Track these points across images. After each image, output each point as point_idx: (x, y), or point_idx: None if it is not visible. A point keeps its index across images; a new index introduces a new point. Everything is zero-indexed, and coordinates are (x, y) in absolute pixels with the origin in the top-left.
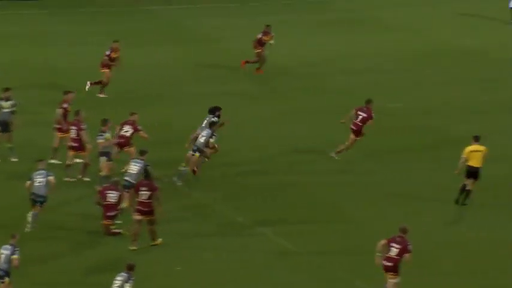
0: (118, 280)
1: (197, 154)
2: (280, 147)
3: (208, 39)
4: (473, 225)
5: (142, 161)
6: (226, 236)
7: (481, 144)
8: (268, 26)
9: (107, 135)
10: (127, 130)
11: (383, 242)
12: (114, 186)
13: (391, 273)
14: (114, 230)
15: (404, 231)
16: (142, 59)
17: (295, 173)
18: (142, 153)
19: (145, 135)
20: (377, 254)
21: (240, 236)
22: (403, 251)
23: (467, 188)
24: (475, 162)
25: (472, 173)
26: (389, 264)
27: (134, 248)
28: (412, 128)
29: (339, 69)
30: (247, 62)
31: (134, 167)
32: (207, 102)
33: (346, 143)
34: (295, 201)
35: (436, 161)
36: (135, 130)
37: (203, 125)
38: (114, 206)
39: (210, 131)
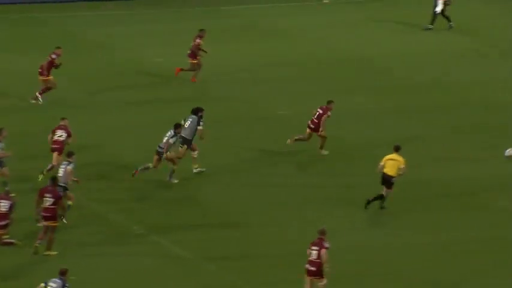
0: (53, 287)
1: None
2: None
3: (100, 47)
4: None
5: (68, 163)
6: (121, 244)
7: (400, 155)
8: (202, 30)
9: (1, 144)
10: (61, 135)
11: (308, 250)
12: (6, 196)
13: (316, 277)
14: (7, 240)
15: (322, 233)
16: (33, 66)
17: (192, 182)
18: (69, 155)
19: (75, 140)
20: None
21: (135, 244)
22: (320, 249)
23: (381, 193)
24: (388, 171)
25: (385, 181)
26: (312, 268)
27: (36, 245)
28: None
29: (231, 78)
30: (193, 76)
31: (61, 170)
32: (98, 111)
33: (302, 136)
34: (192, 210)
35: (327, 169)
36: (68, 134)
37: (185, 126)
38: (5, 215)
39: (172, 133)
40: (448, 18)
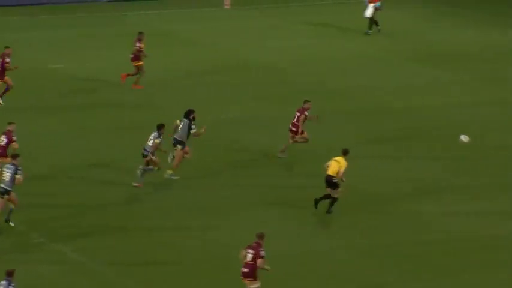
0: None
1: (150, 155)
2: (77, 162)
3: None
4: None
5: (14, 165)
6: (22, 252)
7: (345, 159)
8: (141, 33)
9: None
10: (2, 140)
11: (244, 251)
12: None
13: (249, 279)
14: None
15: (260, 237)
16: None
17: (96, 189)
18: (14, 157)
19: (16, 146)
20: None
21: (37, 252)
22: (256, 256)
23: (327, 194)
24: (329, 171)
25: (328, 182)
26: (245, 270)
27: None
28: (216, 141)
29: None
30: (128, 75)
31: (7, 174)
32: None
33: (286, 143)
34: (95, 219)
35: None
36: (9, 140)
37: (179, 129)
38: None
39: (156, 134)
40: (376, 23)
